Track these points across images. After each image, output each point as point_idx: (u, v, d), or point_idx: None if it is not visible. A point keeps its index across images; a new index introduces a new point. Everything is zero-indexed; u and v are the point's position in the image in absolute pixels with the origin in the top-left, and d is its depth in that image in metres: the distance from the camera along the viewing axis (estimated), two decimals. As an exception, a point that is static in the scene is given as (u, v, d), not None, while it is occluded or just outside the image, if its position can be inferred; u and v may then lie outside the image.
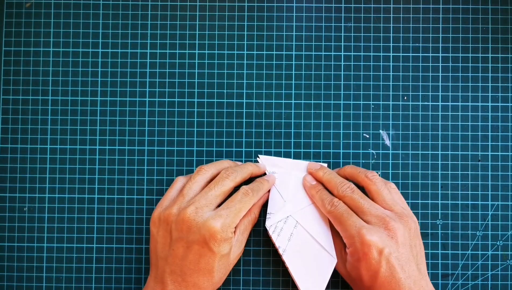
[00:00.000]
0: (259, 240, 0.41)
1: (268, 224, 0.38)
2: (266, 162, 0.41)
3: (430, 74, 0.42)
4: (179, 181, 0.37)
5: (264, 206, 0.40)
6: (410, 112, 0.42)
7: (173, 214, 0.35)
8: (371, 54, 0.42)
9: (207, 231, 0.33)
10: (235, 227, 0.36)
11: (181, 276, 0.34)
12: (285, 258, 0.37)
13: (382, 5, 0.42)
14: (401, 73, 0.42)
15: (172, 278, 0.34)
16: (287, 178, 0.40)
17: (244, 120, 0.42)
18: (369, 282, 0.34)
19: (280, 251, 0.37)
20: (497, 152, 0.41)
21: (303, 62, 0.42)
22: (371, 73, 0.42)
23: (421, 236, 0.36)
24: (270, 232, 0.38)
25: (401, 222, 0.34)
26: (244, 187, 0.37)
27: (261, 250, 0.41)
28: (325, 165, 0.40)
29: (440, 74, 0.42)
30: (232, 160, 0.41)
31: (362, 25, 0.42)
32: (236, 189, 0.37)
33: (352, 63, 0.42)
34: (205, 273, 0.34)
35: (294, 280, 0.37)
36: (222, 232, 0.34)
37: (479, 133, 0.41)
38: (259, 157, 0.41)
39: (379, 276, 0.33)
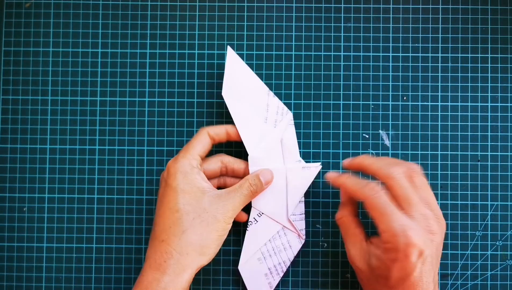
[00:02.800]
0: (259, 240, 0.41)
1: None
2: (233, 59, 0.39)
3: (430, 74, 0.42)
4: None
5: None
6: (410, 112, 0.42)
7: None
8: (371, 54, 0.42)
9: (166, 171, 0.35)
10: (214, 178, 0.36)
11: (154, 228, 0.34)
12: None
13: (381, 5, 0.42)
14: (400, 73, 0.42)
15: (151, 236, 0.34)
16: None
17: (243, 120, 0.42)
18: (396, 282, 0.32)
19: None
20: (497, 152, 0.41)
21: (303, 62, 0.42)
22: (371, 73, 0.42)
23: None
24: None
25: (439, 226, 0.33)
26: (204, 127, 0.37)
27: (260, 250, 0.41)
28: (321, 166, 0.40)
29: (439, 74, 0.42)
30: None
31: (361, 25, 0.42)
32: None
33: (351, 63, 0.42)
34: (168, 214, 0.33)
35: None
36: (175, 163, 0.34)
37: (479, 133, 0.41)
38: (228, 47, 0.39)
39: (410, 279, 0.31)
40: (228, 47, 0.39)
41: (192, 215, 0.33)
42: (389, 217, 0.32)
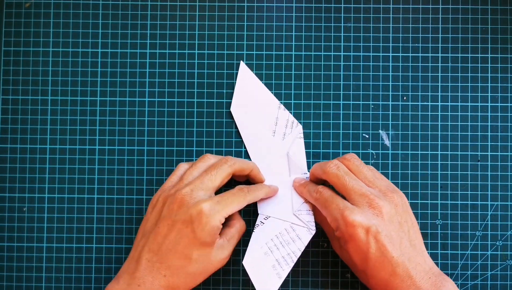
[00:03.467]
0: (259, 240, 0.41)
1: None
2: (245, 74, 0.41)
3: (430, 74, 0.42)
4: (181, 167, 0.37)
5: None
6: (410, 112, 0.42)
7: (170, 195, 0.35)
8: (371, 54, 0.42)
9: (195, 210, 0.33)
10: (222, 229, 0.36)
11: (158, 255, 0.34)
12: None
13: (381, 5, 0.42)
14: (400, 73, 0.42)
15: (148, 257, 0.34)
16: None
17: (243, 120, 0.42)
18: (361, 265, 0.33)
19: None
20: (497, 152, 0.41)
21: (303, 62, 0.42)
22: (371, 73, 0.42)
23: (412, 213, 0.35)
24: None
25: (386, 199, 0.33)
26: (241, 185, 0.37)
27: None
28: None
29: (439, 74, 0.42)
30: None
31: (361, 25, 0.42)
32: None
33: (351, 63, 0.42)
34: (181, 257, 0.34)
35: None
36: (209, 215, 0.33)
37: (479, 133, 0.41)
38: (241, 62, 0.41)
39: (370, 257, 0.32)
40: (241, 62, 0.41)
41: (200, 266, 0.34)
42: (330, 206, 0.34)
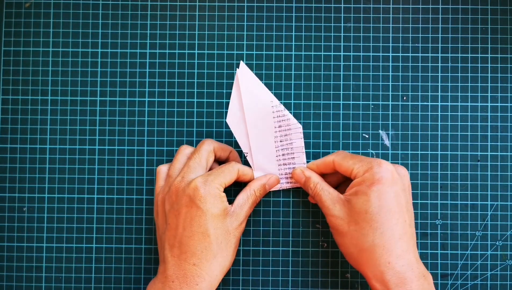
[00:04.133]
0: (258, 240, 0.41)
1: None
2: (245, 74, 0.40)
3: (430, 74, 0.42)
4: (161, 170, 0.38)
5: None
6: (410, 112, 0.42)
7: (166, 193, 0.36)
8: (371, 54, 0.42)
9: (191, 189, 0.34)
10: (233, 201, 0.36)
11: (179, 248, 0.34)
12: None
13: (381, 5, 0.42)
14: (400, 73, 0.42)
15: (171, 253, 0.34)
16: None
17: (243, 120, 0.42)
18: (376, 208, 0.33)
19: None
20: (496, 152, 0.41)
21: (303, 62, 0.42)
22: (371, 73, 0.42)
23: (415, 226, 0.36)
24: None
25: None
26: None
27: (260, 250, 0.41)
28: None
29: (439, 74, 0.42)
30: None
31: (361, 25, 0.42)
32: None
33: (351, 63, 0.42)
34: (200, 238, 0.34)
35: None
36: (205, 186, 0.34)
37: (478, 133, 0.41)
38: (241, 62, 0.40)
39: (388, 201, 0.33)
40: (241, 62, 0.40)
41: (220, 238, 0.35)
42: (360, 157, 0.36)
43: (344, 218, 0.35)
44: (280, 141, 0.38)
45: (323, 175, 0.39)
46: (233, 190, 0.41)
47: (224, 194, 0.35)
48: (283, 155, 0.40)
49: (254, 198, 0.37)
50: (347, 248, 0.35)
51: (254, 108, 0.39)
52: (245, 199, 0.37)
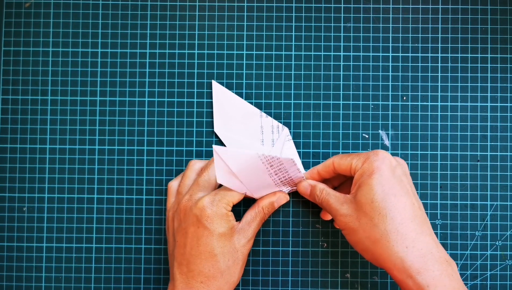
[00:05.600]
0: (258, 240, 0.41)
1: None
2: (219, 92, 0.41)
3: (429, 74, 0.42)
4: (172, 186, 0.38)
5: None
6: (409, 112, 0.42)
7: (175, 211, 0.36)
8: (370, 54, 0.42)
9: (198, 209, 0.34)
10: (241, 218, 0.36)
11: (187, 266, 0.35)
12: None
13: (381, 5, 0.42)
14: (400, 73, 0.42)
15: (179, 271, 0.35)
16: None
17: (243, 120, 0.42)
18: (380, 196, 0.32)
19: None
20: (496, 152, 0.41)
21: (303, 62, 0.42)
22: (370, 73, 0.42)
23: None
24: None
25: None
26: None
27: (260, 250, 0.41)
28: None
29: (439, 74, 0.42)
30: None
31: (361, 25, 0.42)
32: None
33: (351, 63, 0.42)
34: (207, 258, 0.34)
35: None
36: (212, 206, 0.34)
37: (478, 133, 0.42)
38: (213, 82, 0.41)
39: (393, 185, 0.33)
40: (213, 81, 0.41)
41: (227, 256, 0.35)
42: (355, 153, 0.36)
43: (353, 214, 0.34)
44: (276, 174, 0.37)
45: (325, 181, 0.39)
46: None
47: (231, 213, 0.36)
48: (280, 181, 0.38)
49: (262, 215, 0.38)
50: (362, 243, 0.34)
51: (242, 161, 0.36)
52: (253, 217, 0.37)
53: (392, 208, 0.32)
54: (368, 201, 0.33)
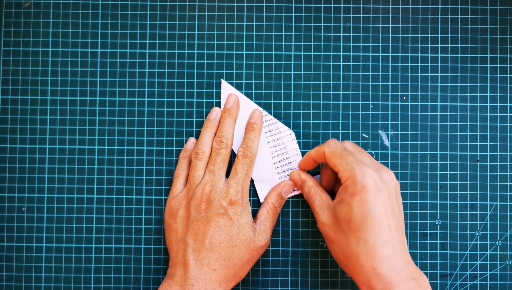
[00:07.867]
0: (258, 240, 0.41)
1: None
2: (229, 91, 0.41)
3: (429, 74, 0.42)
4: (180, 175, 0.39)
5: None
6: (409, 112, 0.42)
7: (192, 199, 0.37)
8: (370, 54, 0.42)
9: (224, 199, 0.37)
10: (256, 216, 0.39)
11: (203, 252, 0.36)
12: None
13: (381, 5, 0.42)
14: (400, 73, 0.42)
15: (194, 256, 0.36)
16: None
17: (243, 120, 0.42)
18: (359, 217, 0.33)
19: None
20: (496, 152, 0.41)
21: (302, 63, 0.42)
22: (370, 73, 0.42)
23: (404, 232, 0.35)
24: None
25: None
26: (239, 149, 0.39)
27: (260, 250, 0.41)
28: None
29: (439, 74, 0.42)
30: (232, 161, 0.41)
31: (361, 25, 0.42)
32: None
33: (351, 63, 0.42)
34: (225, 247, 0.36)
35: None
36: (236, 195, 0.37)
37: (478, 133, 0.42)
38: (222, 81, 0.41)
39: (370, 212, 0.33)
40: (222, 80, 0.41)
41: (244, 251, 0.37)
42: (346, 157, 0.35)
43: (331, 226, 0.35)
44: (274, 147, 0.39)
45: (321, 167, 0.40)
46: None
47: (248, 201, 0.38)
48: (279, 161, 0.40)
49: (274, 210, 0.39)
50: (336, 254, 0.36)
51: (242, 118, 0.40)
52: (266, 214, 0.39)
53: (367, 232, 0.33)
54: (345, 220, 0.34)
